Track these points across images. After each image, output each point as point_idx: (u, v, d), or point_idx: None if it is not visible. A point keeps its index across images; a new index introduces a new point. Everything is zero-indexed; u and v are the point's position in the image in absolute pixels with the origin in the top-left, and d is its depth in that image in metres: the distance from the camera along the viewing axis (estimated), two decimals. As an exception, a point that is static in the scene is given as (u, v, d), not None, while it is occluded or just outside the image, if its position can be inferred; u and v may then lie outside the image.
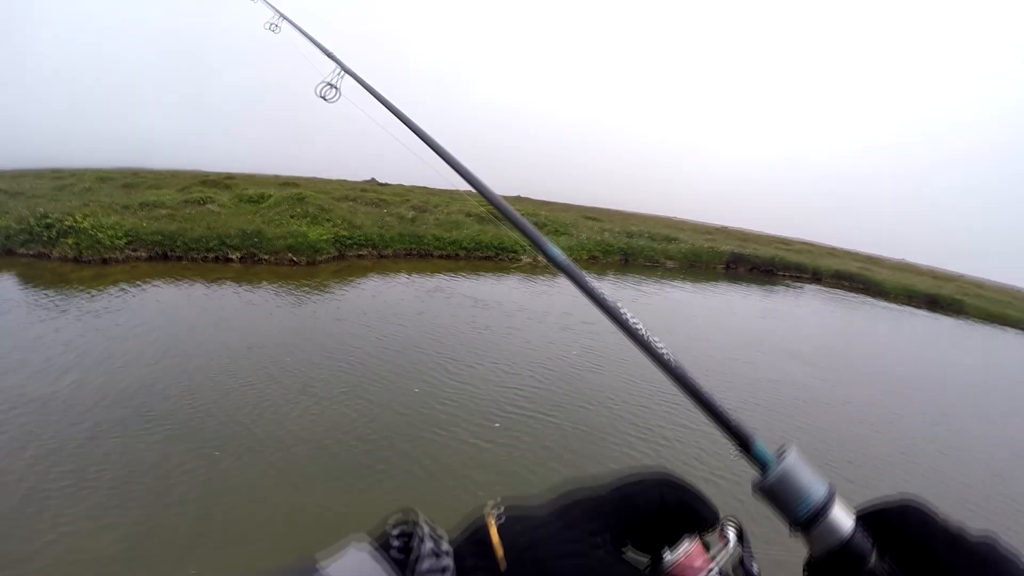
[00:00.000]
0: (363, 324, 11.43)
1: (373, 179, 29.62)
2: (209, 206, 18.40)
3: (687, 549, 0.58)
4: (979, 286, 45.63)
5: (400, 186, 29.02)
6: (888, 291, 32.63)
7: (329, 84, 2.17)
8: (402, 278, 16.49)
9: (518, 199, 33.52)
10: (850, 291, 32.00)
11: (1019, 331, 29.36)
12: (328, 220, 18.99)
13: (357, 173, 29.95)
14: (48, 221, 14.08)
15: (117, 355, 8.49)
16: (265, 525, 5.31)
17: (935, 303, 31.91)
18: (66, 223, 14.03)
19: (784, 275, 32.58)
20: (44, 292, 10.96)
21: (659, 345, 0.70)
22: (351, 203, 22.51)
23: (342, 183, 26.86)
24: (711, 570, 0.57)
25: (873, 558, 0.52)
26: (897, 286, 33.41)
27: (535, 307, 14.94)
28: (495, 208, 1.08)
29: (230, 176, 23.77)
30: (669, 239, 31.05)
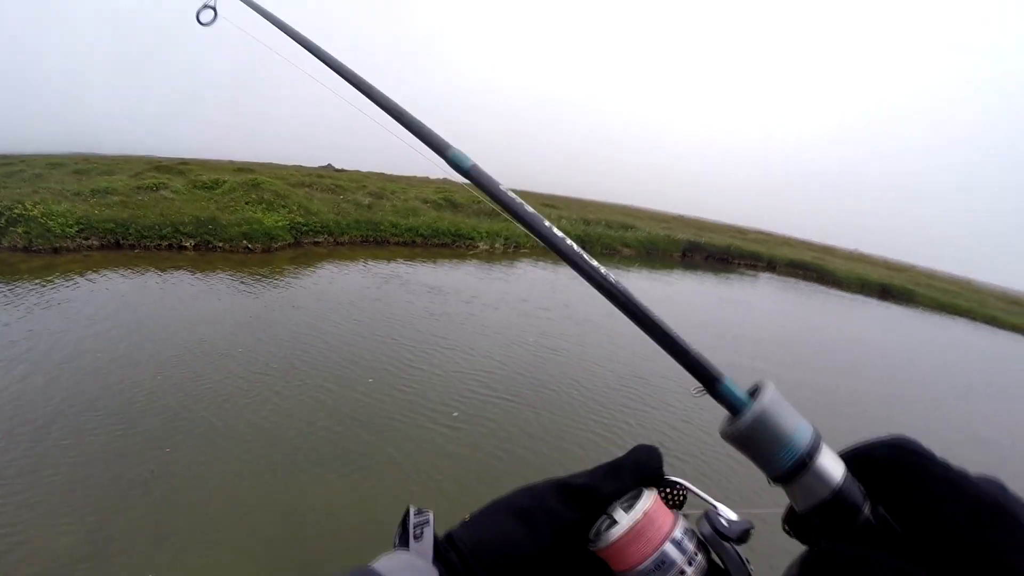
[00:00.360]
0: (320, 312, 11.60)
1: (329, 165, 29.43)
2: (162, 192, 18.19)
3: (645, 506, 0.53)
4: (930, 276, 47.62)
5: (357, 172, 28.88)
6: (842, 280, 33.82)
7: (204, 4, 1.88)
8: (359, 265, 16.62)
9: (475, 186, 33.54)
10: (804, 279, 33.09)
11: (968, 320, 30.78)
12: (284, 206, 18.97)
13: (313, 158, 29.79)
14: (-4, 209, 13.85)
15: (69, 350, 8.41)
16: (231, 520, 5.24)
17: (887, 292, 33.47)
18: (15, 211, 13.79)
19: (740, 263, 33.41)
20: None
21: (594, 264, 0.62)
22: (307, 189, 22.46)
23: (298, 169, 26.65)
24: (675, 531, 0.52)
25: (866, 509, 0.46)
26: (850, 275, 34.67)
27: (492, 293, 15.29)
28: (399, 117, 0.89)
29: (184, 161, 23.46)
30: (626, 227, 31.60)
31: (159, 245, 14.97)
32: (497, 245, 23.30)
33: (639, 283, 22.01)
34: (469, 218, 24.63)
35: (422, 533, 0.56)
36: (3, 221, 13.60)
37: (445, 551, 0.55)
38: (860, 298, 30.64)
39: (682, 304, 19.08)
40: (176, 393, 7.49)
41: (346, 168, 29.37)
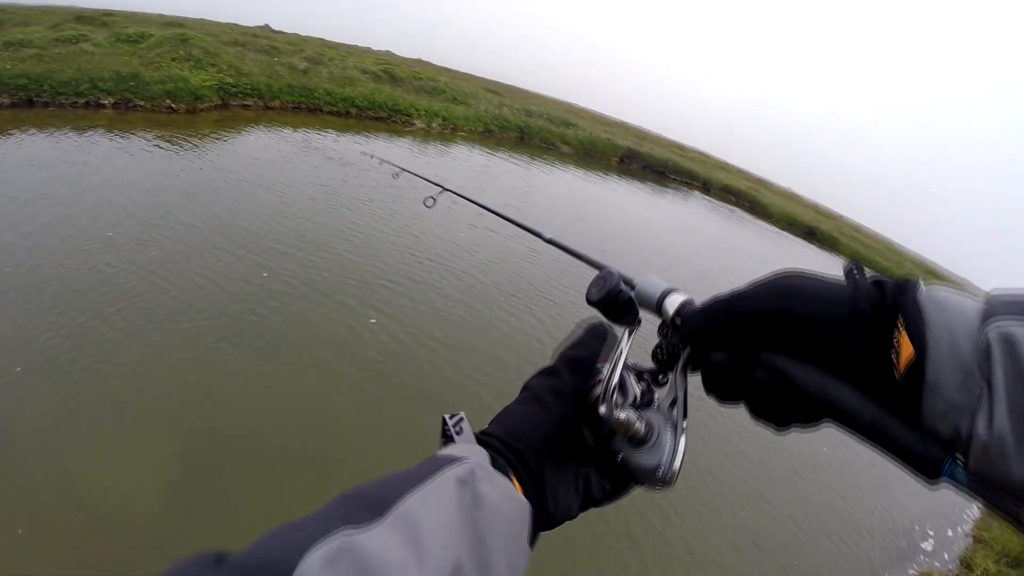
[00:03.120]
0: (241, 180, 11.45)
1: (267, 25, 28.05)
2: (82, 45, 17.19)
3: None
4: (856, 229, 47.44)
5: (296, 35, 27.56)
6: (772, 214, 34.21)
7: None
8: (287, 132, 16.50)
9: (418, 62, 32.57)
10: (736, 206, 33.49)
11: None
12: (213, 65, 18.40)
13: (250, 17, 28.28)
14: None
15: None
16: (141, 396, 5.14)
17: (813, 235, 34.04)
18: (-84, 68, 13.07)
19: (675, 179, 33.69)
20: None
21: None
22: (240, 48, 21.52)
23: (232, 27, 25.31)
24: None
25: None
26: (781, 212, 35.01)
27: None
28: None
29: (108, 12, 22.03)
30: (568, 124, 31.50)
31: (75, 103, 14.37)
32: (434, 124, 23.12)
33: (573, 181, 22.53)
34: (409, 94, 24.23)
35: (461, 429, 0.61)
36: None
37: (482, 440, 0.61)
38: (786, 235, 31.21)
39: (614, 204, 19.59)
40: (83, 259, 7.09)
41: (284, 30, 28.14)
